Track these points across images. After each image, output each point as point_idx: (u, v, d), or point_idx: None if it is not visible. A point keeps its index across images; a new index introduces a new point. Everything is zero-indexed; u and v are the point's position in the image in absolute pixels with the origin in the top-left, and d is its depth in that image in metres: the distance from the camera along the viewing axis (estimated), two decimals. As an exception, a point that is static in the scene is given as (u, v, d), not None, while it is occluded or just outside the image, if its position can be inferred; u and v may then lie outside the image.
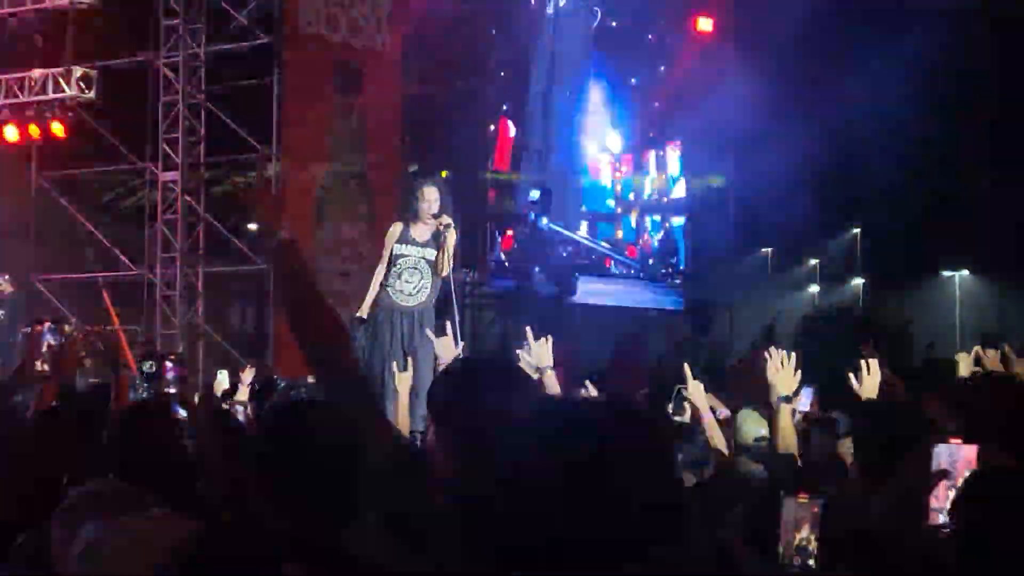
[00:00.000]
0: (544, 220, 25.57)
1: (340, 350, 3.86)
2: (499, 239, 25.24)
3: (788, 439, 6.93)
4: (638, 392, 12.70)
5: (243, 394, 11.32)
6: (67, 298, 22.03)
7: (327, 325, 3.85)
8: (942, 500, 3.32)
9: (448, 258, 11.93)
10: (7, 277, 20.59)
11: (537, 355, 7.30)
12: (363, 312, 11.93)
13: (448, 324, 8.06)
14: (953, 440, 3.40)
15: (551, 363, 7.36)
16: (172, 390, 6.76)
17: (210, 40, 22.27)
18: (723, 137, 27.31)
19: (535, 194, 25.40)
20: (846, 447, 7.54)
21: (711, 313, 28.06)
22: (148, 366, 7.06)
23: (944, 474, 3.30)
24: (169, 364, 6.74)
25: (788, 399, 7.09)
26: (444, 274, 12.00)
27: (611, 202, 27.70)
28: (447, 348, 7.33)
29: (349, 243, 22.16)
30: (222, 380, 12.42)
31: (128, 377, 7.48)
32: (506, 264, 25.34)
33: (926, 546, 3.36)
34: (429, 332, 10.16)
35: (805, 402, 7.81)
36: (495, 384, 3.51)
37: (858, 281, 32.50)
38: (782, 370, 7.13)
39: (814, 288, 32.80)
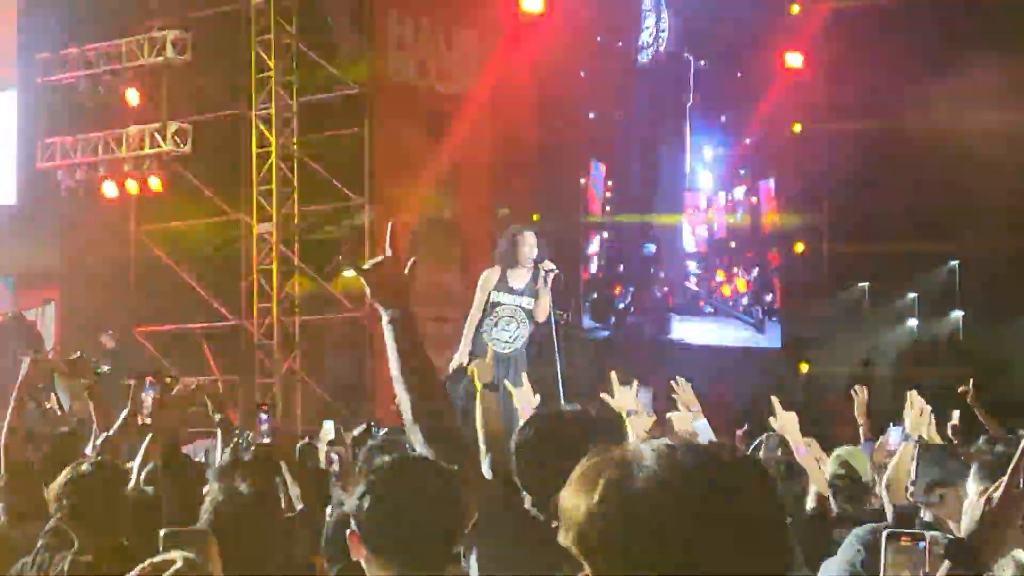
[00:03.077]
0: (661, 274, 25.63)
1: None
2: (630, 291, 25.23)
3: (901, 476, 6.96)
4: (736, 431, 12.70)
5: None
6: (166, 349, 22.25)
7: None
8: None
9: (548, 303, 11.91)
10: (110, 333, 20.89)
11: (620, 400, 7.34)
12: (461, 359, 11.93)
13: (524, 377, 8.08)
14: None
15: (635, 407, 7.39)
16: (266, 440, 6.80)
17: (302, 91, 22.49)
18: (816, 171, 27.18)
19: (651, 248, 25.44)
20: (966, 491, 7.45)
21: (808, 350, 27.83)
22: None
23: None
24: (263, 415, 6.79)
25: (909, 437, 7.18)
26: (543, 319, 11.98)
27: (705, 241, 27.62)
28: (526, 399, 7.36)
29: (442, 287, 22.22)
30: (328, 430, 12.48)
31: (228, 430, 7.58)
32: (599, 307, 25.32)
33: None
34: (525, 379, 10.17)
35: (895, 441, 7.76)
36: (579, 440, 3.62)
37: (957, 314, 32.12)
38: (912, 410, 7.19)
39: (912, 322, 32.47)
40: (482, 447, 6.15)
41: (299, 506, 6.82)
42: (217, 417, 7.46)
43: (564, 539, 2.22)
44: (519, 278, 11.99)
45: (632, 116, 26.34)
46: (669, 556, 2.14)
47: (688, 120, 27.12)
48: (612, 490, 2.18)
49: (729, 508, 2.16)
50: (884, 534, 3.51)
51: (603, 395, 7.51)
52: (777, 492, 2.25)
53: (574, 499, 2.22)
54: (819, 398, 23.41)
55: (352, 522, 3.85)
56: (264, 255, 22.48)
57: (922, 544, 3.41)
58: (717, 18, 26.21)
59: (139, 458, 6.58)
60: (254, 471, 6.62)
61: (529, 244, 11.95)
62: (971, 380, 7.62)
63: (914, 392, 7.36)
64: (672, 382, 8.28)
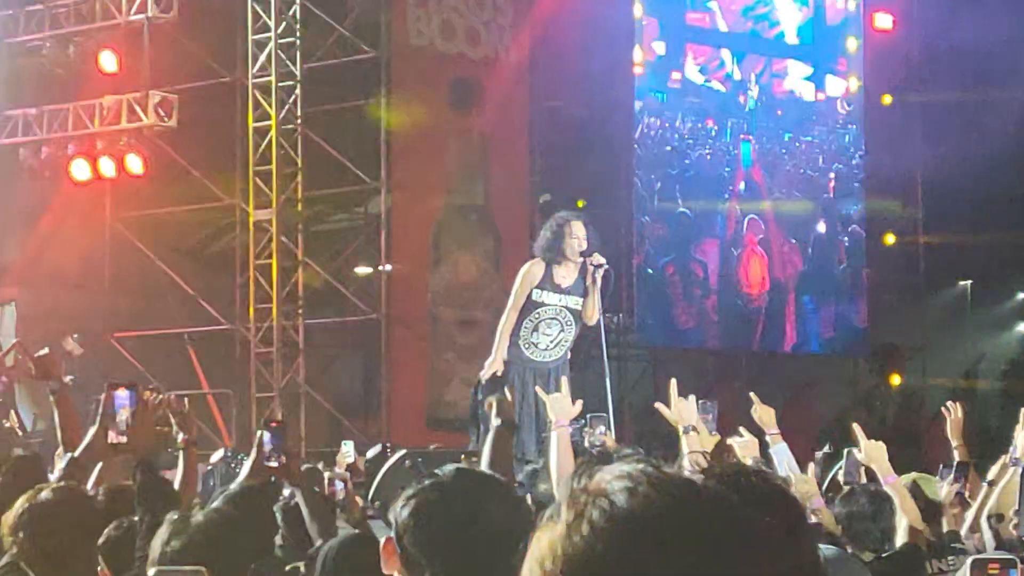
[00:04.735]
0: (726, 269, 25.64)
1: None
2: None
3: (1006, 506, 7.00)
4: (814, 453, 12.62)
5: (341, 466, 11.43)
6: (147, 358, 22.27)
7: None
8: None
9: (597, 303, 11.84)
10: (76, 336, 20.88)
11: (678, 413, 7.36)
12: (492, 368, 11.83)
13: (565, 381, 8.06)
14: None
15: (694, 423, 7.40)
16: (272, 463, 6.81)
17: (306, 56, 22.46)
18: (909, 151, 27.09)
19: (711, 240, 25.52)
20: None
21: (900, 357, 27.74)
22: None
23: None
24: (268, 433, 6.80)
25: (1018, 462, 7.23)
26: (593, 322, 11.91)
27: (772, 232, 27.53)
28: (562, 408, 7.31)
29: (471, 287, 22.21)
30: (347, 452, 12.48)
31: (193, 454, 7.60)
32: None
33: None
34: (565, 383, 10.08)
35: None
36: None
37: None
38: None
39: (1022, 326, 32.36)
40: None
41: (318, 542, 6.83)
42: (181, 437, 7.46)
43: None
44: (566, 274, 11.88)
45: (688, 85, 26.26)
46: None
47: (753, 91, 27.00)
48: (577, 522, 2.22)
49: (696, 549, 2.20)
50: (969, 560, 3.53)
51: (658, 405, 7.49)
52: (768, 536, 2.31)
53: (538, 534, 2.27)
54: (913, 415, 23.32)
55: (392, 530, 3.82)
56: (262, 247, 22.46)
57: (1013, 572, 3.42)
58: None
59: (91, 483, 6.55)
60: (251, 499, 6.58)
61: (578, 235, 11.85)
62: None
63: (951, 403, 7.39)
64: (751, 396, 8.29)
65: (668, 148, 25.64)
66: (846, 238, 27.74)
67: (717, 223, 26.41)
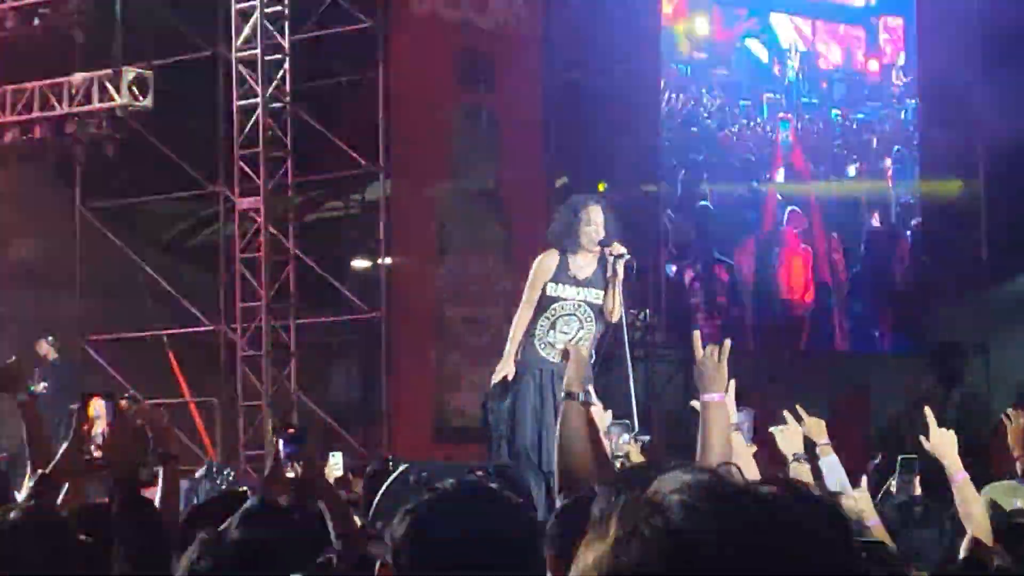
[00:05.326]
0: (772, 260, 25.57)
1: None
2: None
3: None
4: (868, 463, 12.63)
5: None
6: (122, 363, 22.27)
7: None
8: None
9: (620, 298, 11.79)
10: (51, 339, 20.92)
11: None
12: (505, 370, 11.81)
13: (590, 386, 7.99)
14: None
15: (734, 418, 7.36)
16: (289, 474, 6.85)
17: (296, 27, 22.44)
18: (973, 127, 27.01)
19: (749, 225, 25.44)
20: None
21: (961, 357, 27.63)
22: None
23: None
24: (282, 440, 6.84)
25: None
26: (615, 319, 11.86)
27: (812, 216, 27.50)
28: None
29: (480, 280, 22.19)
30: (336, 464, 12.47)
31: (174, 469, 7.58)
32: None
33: None
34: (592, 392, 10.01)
35: None
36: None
37: None
38: None
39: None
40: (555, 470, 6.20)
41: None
42: (159, 451, 7.45)
43: None
44: (584, 265, 11.84)
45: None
46: None
47: (793, 60, 27.00)
48: (627, 538, 2.19)
49: (762, 570, 2.17)
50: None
51: (694, 404, 7.44)
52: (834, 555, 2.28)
53: (584, 549, 2.25)
54: (976, 421, 23.23)
55: (388, 551, 3.89)
56: (249, 240, 22.44)
57: None
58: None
59: (60, 501, 6.54)
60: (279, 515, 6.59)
61: (596, 222, 11.80)
62: None
63: (1012, 411, 7.34)
64: (796, 409, 8.33)
65: (694, 129, 25.57)
66: (908, 232, 27.65)
67: (752, 217, 26.30)
